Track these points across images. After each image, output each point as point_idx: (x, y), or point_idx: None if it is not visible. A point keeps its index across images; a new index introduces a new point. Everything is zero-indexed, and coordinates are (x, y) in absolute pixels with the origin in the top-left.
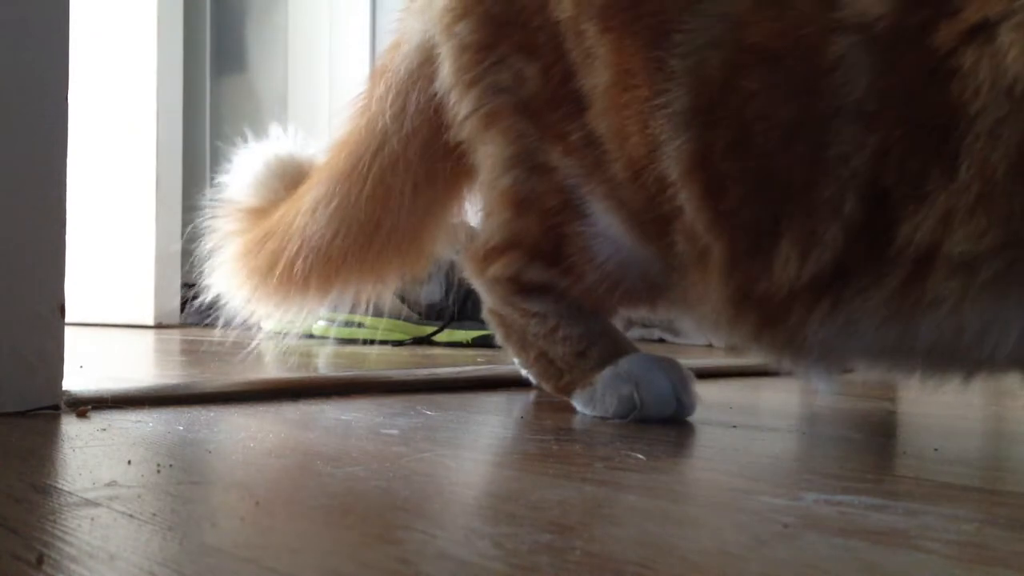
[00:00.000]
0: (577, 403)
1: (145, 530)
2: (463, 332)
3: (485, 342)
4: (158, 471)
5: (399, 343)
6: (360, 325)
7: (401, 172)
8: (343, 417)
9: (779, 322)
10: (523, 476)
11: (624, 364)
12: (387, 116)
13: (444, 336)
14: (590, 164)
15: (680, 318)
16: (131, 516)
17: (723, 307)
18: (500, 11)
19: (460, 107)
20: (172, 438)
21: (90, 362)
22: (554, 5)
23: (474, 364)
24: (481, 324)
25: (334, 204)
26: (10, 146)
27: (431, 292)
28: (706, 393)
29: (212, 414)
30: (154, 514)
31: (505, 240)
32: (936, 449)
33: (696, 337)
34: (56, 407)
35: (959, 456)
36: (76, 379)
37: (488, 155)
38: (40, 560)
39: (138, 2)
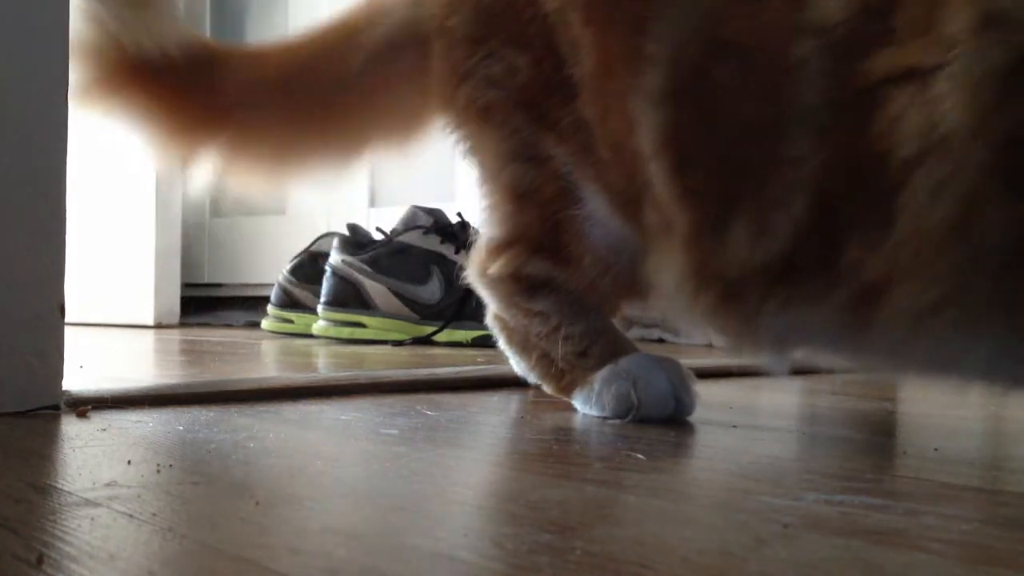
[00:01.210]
0: (577, 403)
1: (145, 530)
2: (463, 332)
3: (485, 342)
4: (158, 471)
5: (399, 343)
6: (360, 325)
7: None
8: (343, 417)
9: (735, 301)
10: (523, 476)
11: (623, 363)
12: (354, 56)
13: (444, 336)
14: (580, 149)
15: (660, 304)
16: (131, 516)
17: (685, 279)
18: (491, 3)
19: (454, 101)
20: (172, 438)
21: (90, 362)
22: None
23: (474, 364)
24: (481, 324)
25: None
26: (10, 146)
27: (431, 292)
28: (706, 393)
29: (212, 414)
30: (154, 514)
31: (508, 234)
32: (936, 449)
33: (696, 337)
34: (56, 407)
35: (959, 456)
36: (76, 379)
37: (486, 149)
38: (40, 560)
39: None
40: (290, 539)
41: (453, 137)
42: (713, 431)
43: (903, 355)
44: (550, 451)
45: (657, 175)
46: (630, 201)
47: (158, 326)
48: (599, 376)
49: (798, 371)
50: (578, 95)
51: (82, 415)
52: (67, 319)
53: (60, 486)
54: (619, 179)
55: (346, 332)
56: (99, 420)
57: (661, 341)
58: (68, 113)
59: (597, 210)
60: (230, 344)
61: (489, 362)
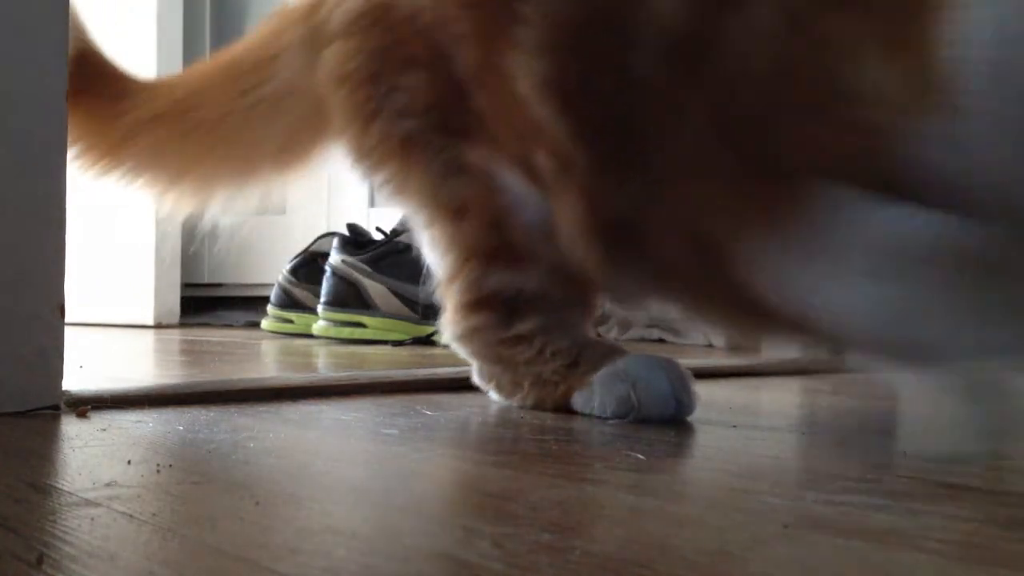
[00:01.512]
0: (576, 406)
1: (145, 530)
2: None
3: None
4: (158, 471)
5: (399, 343)
6: (360, 325)
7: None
8: (343, 417)
9: (622, 246)
10: (523, 476)
11: (621, 363)
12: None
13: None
14: (488, 140)
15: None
16: (131, 516)
17: (583, 221)
18: (377, 42)
19: (367, 143)
20: (172, 438)
21: (90, 362)
22: (419, 11)
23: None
24: None
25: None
26: (9, 146)
27: (431, 292)
28: (706, 393)
29: (212, 414)
30: (154, 514)
31: (459, 256)
32: (936, 449)
33: (696, 337)
34: (56, 407)
35: (958, 456)
36: (76, 379)
37: (415, 179)
38: (40, 560)
39: (138, 2)
40: (290, 539)
41: (375, 181)
42: (713, 431)
43: None
44: (550, 451)
45: (550, 117)
46: (529, 165)
47: (158, 326)
48: (597, 378)
49: (798, 371)
50: (473, 88)
51: (82, 415)
52: (67, 319)
53: (60, 486)
54: (516, 145)
55: (346, 332)
56: (99, 420)
57: (661, 341)
58: (68, 113)
59: (520, 191)
60: (230, 344)
61: None
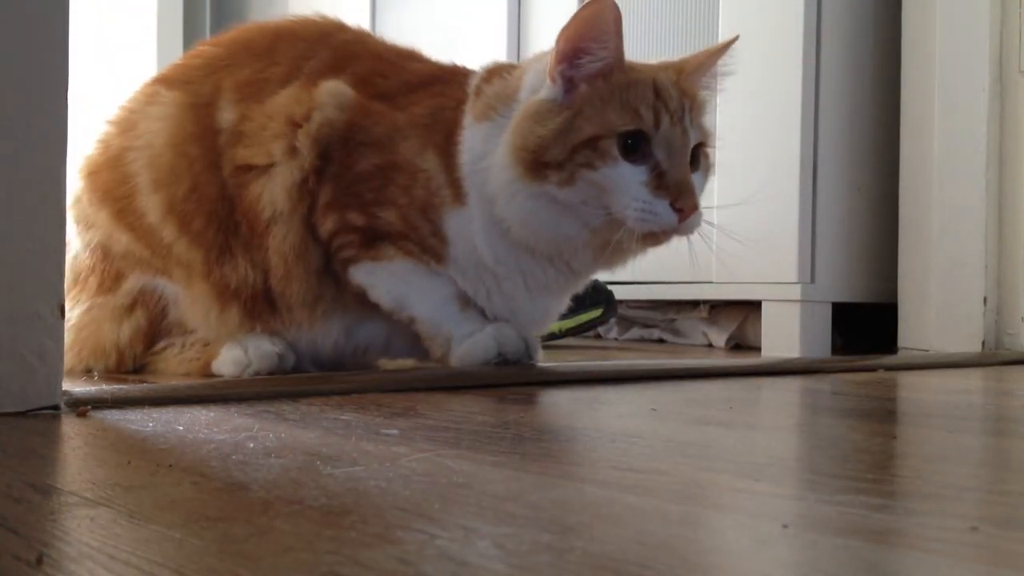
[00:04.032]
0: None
1: (145, 530)
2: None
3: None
4: (158, 471)
5: None
6: None
7: None
8: (343, 417)
9: (261, 316)
10: (523, 476)
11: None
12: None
13: None
14: (144, 263)
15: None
16: (131, 516)
17: (211, 303)
18: (75, 209)
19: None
20: (172, 438)
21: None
22: (78, 196)
23: None
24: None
25: None
26: (10, 146)
27: None
28: (707, 393)
29: (212, 414)
30: (154, 514)
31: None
32: (936, 449)
33: (696, 337)
34: (56, 407)
35: (959, 456)
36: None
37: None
38: (40, 560)
39: (138, 2)
40: (289, 539)
41: None
42: (713, 431)
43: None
44: (550, 451)
45: (171, 235)
46: (162, 269)
47: None
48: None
49: (798, 371)
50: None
51: (82, 415)
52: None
53: (60, 486)
54: (162, 262)
55: None
56: (99, 420)
57: (661, 341)
58: (68, 113)
59: (169, 290)
60: None
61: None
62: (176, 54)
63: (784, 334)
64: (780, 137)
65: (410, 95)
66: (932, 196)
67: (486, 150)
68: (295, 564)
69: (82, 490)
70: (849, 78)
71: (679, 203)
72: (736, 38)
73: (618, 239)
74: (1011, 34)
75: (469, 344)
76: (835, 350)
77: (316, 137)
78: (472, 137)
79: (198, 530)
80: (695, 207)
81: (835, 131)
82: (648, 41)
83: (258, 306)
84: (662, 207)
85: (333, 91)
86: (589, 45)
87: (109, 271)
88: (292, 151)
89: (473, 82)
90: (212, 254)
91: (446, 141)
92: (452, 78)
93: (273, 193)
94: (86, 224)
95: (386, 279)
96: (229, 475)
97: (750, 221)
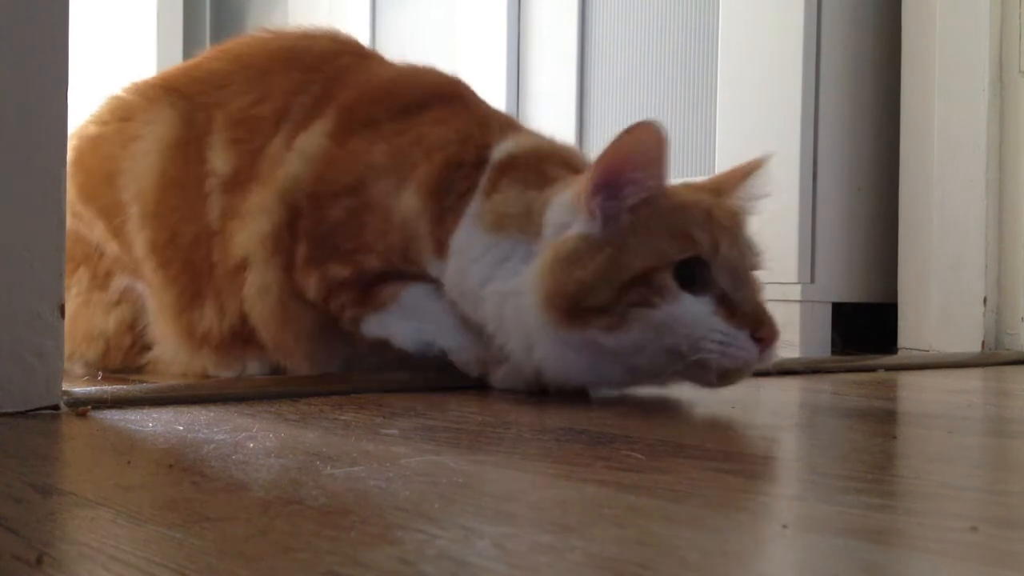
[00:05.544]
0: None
1: (145, 530)
2: None
3: None
4: (158, 471)
5: None
6: None
7: None
8: (343, 417)
9: (229, 356)
10: (523, 476)
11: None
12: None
13: None
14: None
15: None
16: (131, 516)
17: (180, 342)
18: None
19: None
20: (172, 438)
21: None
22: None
23: None
24: None
25: None
26: (10, 146)
27: None
28: (707, 393)
29: (212, 414)
30: (154, 514)
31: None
32: (936, 449)
33: None
34: (56, 407)
35: (959, 456)
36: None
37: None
38: (40, 560)
39: (138, 2)
40: (289, 538)
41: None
42: (713, 431)
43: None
44: (550, 451)
45: (151, 271)
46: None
47: None
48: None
49: (798, 371)
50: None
51: (82, 415)
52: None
53: (60, 486)
54: (168, 294)
55: None
56: (99, 420)
57: None
58: (68, 113)
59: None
60: None
61: None
62: (176, 54)
63: (784, 334)
64: (780, 137)
65: (400, 121)
66: (932, 196)
67: (491, 275)
68: (295, 564)
69: (82, 490)
70: (849, 78)
71: (760, 332)
72: (767, 158)
73: (689, 380)
74: (1011, 34)
75: (509, 369)
76: (835, 350)
77: (282, 193)
78: (474, 241)
79: (198, 530)
80: (777, 335)
81: (835, 131)
82: (648, 41)
83: (236, 347)
84: (742, 339)
85: (302, 147)
86: (634, 175)
87: (100, 268)
88: (263, 208)
89: (488, 170)
90: (183, 299)
91: (437, 183)
92: (457, 99)
93: (247, 238)
94: (87, 224)
95: (401, 322)
96: (229, 475)
97: (750, 221)
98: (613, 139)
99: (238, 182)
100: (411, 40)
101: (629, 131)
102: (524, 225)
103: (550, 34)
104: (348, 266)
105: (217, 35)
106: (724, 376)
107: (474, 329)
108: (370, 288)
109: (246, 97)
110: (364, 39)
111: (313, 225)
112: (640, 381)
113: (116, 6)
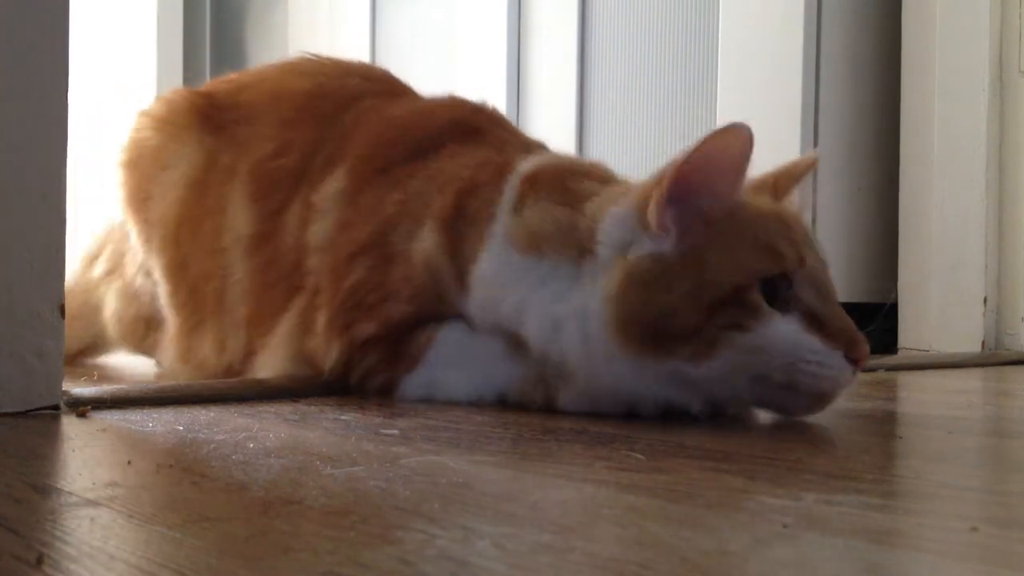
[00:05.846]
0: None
1: (145, 530)
2: None
3: None
4: (158, 471)
5: None
6: None
7: None
8: (343, 417)
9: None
10: (523, 476)
11: None
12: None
13: None
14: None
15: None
16: (131, 516)
17: (179, 363)
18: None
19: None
20: (172, 438)
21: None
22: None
23: None
24: None
25: None
26: (10, 146)
27: None
28: None
29: (212, 414)
30: (154, 514)
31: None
32: (936, 449)
33: None
34: (56, 407)
35: (959, 456)
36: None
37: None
38: (40, 560)
39: (138, 2)
40: (289, 538)
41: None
42: (713, 431)
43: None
44: (550, 451)
45: (164, 291)
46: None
47: None
48: None
49: None
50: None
51: (82, 415)
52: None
53: (60, 486)
54: (178, 294)
55: None
56: (99, 420)
57: None
58: (68, 113)
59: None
60: None
61: None
62: (176, 54)
63: None
64: (780, 137)
65: (413, 163)
66: (932, 196)
67: (528, 298)
68: (295, 564)
69: (82, 490)
70: (849, 78)
71: (854, 352)
72: (817, 157)
73: (773, 407)
74: (1011, 34)
75: (578, 393)
76: None
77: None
78: (506, 262)
79: (198, 530)
80: (868, 355)
81: (835, 131)
82: (648, 41)
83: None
84: (837, 359)
85: (318, 208)
86: (714, 183)
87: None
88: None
89: (510, 189)
90: (187, 325)
91: (454, 212)
92: (474, 132)
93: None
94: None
95: (443, 376)
96: (229, 475)
97: None
98: (697, 142)
99: (259, 247)
100: (411, 40)
101: (719, 133)
102: (564, 244)
103: (550, 34)
104: (374, 320)
105: (217, 35)
106: (818, 401)
107: (519, 346)
108: (400, 341)
109: (269, 145)
110: (364, 39)
111: (333, 295)
112: (718, 408)
113: (116, 6)
